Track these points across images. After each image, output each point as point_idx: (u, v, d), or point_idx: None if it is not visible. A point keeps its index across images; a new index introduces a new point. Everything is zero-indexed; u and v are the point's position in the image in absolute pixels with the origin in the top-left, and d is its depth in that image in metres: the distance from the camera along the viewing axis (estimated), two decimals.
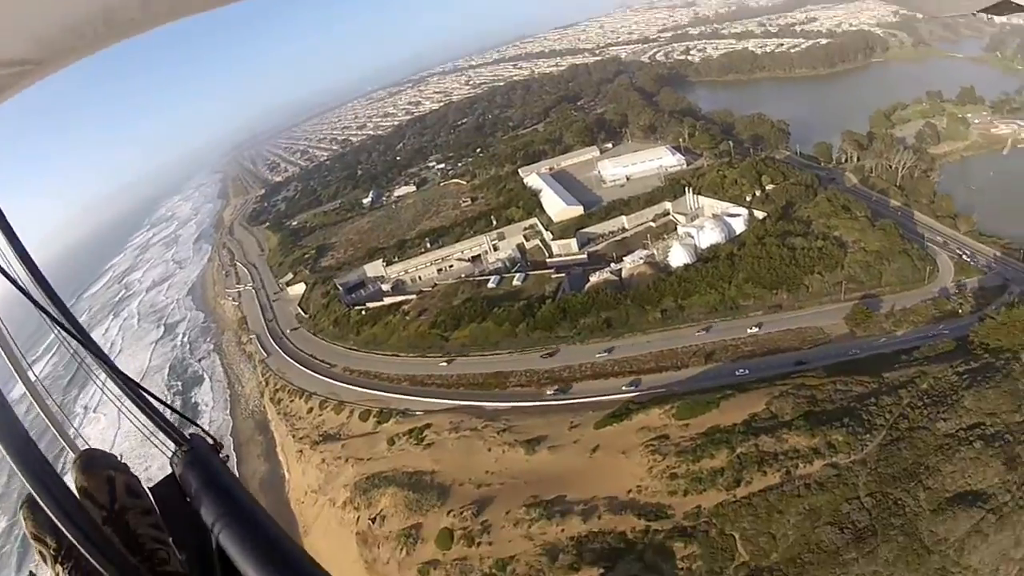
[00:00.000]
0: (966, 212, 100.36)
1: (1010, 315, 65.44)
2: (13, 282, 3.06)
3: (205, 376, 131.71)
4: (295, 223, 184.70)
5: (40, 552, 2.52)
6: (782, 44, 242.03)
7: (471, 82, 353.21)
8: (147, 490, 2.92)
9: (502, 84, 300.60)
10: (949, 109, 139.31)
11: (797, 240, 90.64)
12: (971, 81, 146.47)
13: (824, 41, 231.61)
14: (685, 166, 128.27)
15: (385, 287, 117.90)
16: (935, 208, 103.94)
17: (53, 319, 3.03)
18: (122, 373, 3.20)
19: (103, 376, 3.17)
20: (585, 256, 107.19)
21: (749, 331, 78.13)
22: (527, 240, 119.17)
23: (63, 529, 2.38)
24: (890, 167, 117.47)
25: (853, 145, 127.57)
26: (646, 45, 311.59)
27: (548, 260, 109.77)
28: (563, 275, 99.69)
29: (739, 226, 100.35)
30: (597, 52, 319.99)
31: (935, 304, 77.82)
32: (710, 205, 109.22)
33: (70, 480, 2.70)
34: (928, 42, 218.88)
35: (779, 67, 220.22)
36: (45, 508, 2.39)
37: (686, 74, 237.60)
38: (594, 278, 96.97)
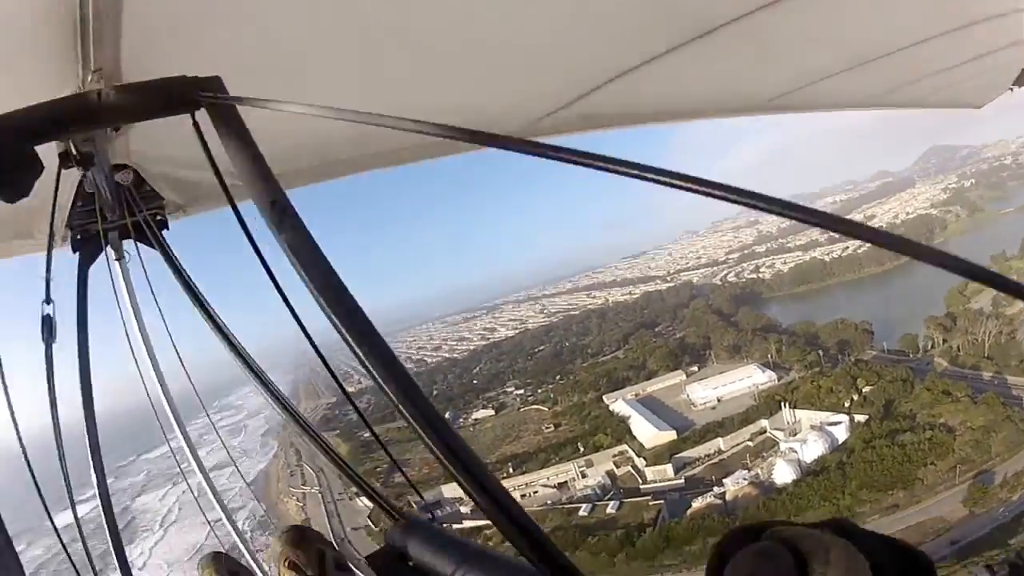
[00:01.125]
0: None
1: None
2: (234, 346, 3.76)
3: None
4: (367, 435, 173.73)
5: None
6: (847, 247, 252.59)
7: (545, 310, 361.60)
8: (364, 559, 3.69)
9: (577, 312, 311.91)
10: (1015, 265, 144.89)
11: (906, 436, 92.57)
12: None
13: None
14: (776, 382, 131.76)
15: (464, 509, 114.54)
16: None
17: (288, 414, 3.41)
18: (343, 460, 3.98)
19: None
20: (682, 481, 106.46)
21: None
22: (617, 467, 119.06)
23: None
24: (976, 340, 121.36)
25: (938, 329, 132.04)
26: (716, 267, 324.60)
27: (642, 486, 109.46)
28: (661, 501, 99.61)
29: (841, 434, 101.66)
30: (668, 278, 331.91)
31: None
32: (808, 417, 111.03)
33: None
34: (981, 207, 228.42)
35: (848, 270, 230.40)
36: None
37: (760, 291, 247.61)
38: (697, 503, 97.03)
